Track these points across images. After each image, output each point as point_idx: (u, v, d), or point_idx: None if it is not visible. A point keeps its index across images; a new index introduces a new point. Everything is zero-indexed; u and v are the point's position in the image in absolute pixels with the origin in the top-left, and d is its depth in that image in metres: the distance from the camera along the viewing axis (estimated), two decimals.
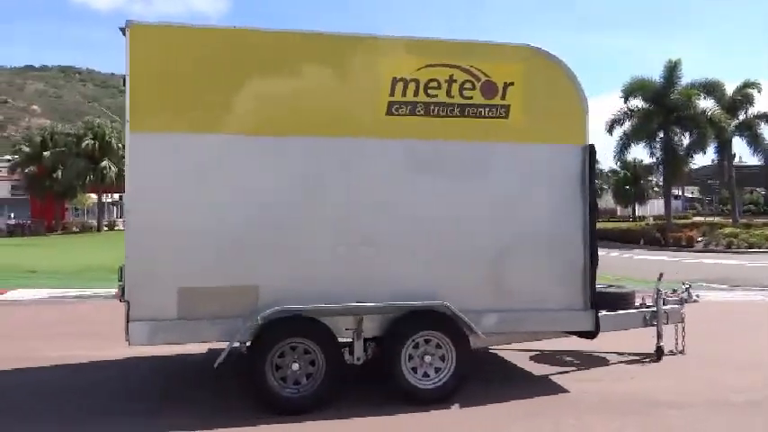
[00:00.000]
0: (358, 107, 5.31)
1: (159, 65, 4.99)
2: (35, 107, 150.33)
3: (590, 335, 5.77)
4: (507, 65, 5.58)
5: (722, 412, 5.01)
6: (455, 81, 5.45)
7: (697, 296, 7.26)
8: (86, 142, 46.04)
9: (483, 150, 5.52)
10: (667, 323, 6.75)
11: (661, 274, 7.24)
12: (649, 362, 6.63)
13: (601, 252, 5.80)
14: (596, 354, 6.90)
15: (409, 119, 5.36)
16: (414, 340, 5.15)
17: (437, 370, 5.20)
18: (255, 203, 5.09)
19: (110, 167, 45.34)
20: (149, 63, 4.97)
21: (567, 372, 6.25)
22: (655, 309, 6.67)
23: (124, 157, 5.09)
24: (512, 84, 5.54)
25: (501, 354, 6.87)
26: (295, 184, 5.16)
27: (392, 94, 5.32)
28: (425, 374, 5.18)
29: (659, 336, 6.71)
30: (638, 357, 6.77)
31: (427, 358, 5.17)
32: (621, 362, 6.65)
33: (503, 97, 5.53)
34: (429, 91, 5.39)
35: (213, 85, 5.06)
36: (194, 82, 5.04)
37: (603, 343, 6.84)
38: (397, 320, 5.13)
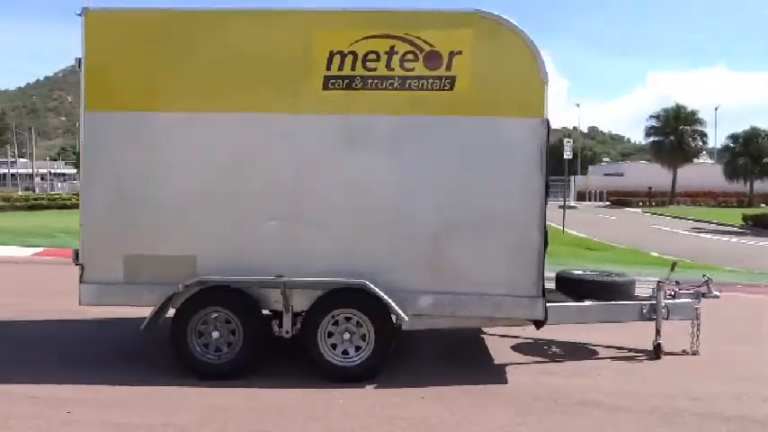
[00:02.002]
0: (294, 83, 5.30)
1: (109, 48, 5.38)
2: None
3: (539, 324, 5.34)
4: (454, 33, 5.24)
5: (655, 422, 4.40)
6: (396, 53, 5.23)
7: (719, 291, 6.33)
8: None
9: (424, 124, 5.27)
10: (667, 318, 5.98)
11: (674, 264, 6.47)
12: (644, 360, 5.95)
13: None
14: (591, 346, 6.34)
15: (346, 93, 5.26)
16: (334, 317, 5.12)
17: (357, 348, 5.13)
18: (192, 177, 5.33)
19: None
20: (101, 46, 5.38)
21: (535, 362, 5.82)
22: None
23: None
24: (459, 53, 5.21)
25: (487, 338, 6.56)
26: (230, 160, 5.32)
27: (329, 68, 5.25)
28: (345, 352, 5.13)
29: (657, 332, 5.98)
30: (635, 354, 6.11)
31: (346, 336, 5.11)
32: (610, 357, 6.03)
33: (448, 68, 5.22)
34: (367, 64, 5.24)
35: (155, 65, 5.34)
36: (138, 63, 5.35)
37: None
38: (321, 296, 5.13)
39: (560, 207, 22.32)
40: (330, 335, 5.13)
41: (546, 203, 5.20)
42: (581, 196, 54.46)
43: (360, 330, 5.13)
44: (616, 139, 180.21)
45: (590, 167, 69.94)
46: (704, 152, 57.44)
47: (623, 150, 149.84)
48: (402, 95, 5.25)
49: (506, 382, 5.17)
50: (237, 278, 5.13)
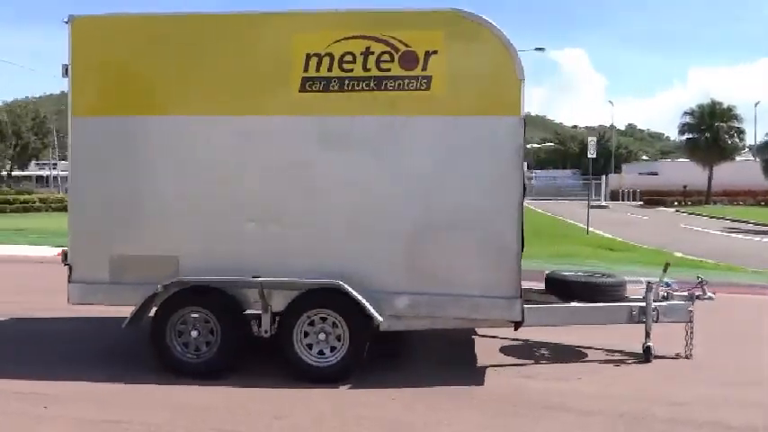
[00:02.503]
0: (272, 85, 5.36)
1: (94, 54, 5.52)
2: None
3: (517, 325, 5.28)
4: (429, 32, 5.23)
5: (622, 427, 4.31)
6: (372, 53, 5.25)
7: (713, 293, 6.16)
8: None
9: (400, 125, 5.26)
10: (658, 321, 5.84)
11: (667, 265, 6.31)
12: (633, 363, 5.83)
13: None
14: (583, 349, 6.23)
15: (323, 95, 5.28)
16: (309, 317, 5.15)
17: (333, 349, 5.15)
18: (173, 180, 5.44)
19: None
20: (87, 53, 5.52)
21: (519, 365, 5.76)
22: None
23: None
24: (434, 52, 5.19)
25: (478, 339, 6.51)
26: (209, 162, 5.40)
27: (306, 70, 5.28)
28: (321, 352, 5.15)
29: (647, 335, 5.85)
30: (626, 358, 5.98)
31: (322, 336, 5.14)
32: (599, 360, 5.92)
33: (424, 68, 5.21)
34: (344, 65, 5.27)
35: (136, 70, 5.47)
36: (121, 69, 5.48)
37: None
38: (297, 297, 5.17)
39: (591, 207, 21.98)
40: (306, 335, 5.16)
41: (523, 202, 5.16)
42: (614, 195, 53.39)
43: (335, 331, 5.15)
44: (655, 136, 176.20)
45: (624, 166, 68.60)
46: (746, 149, 55.81)
47: (662, 148, 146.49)
48: (378, 96, 5.25)
49: (483, 384, 5.12)
50: (214, 278, 5.20)
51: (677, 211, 40.63)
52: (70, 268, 5.53)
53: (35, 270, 11.18)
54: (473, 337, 6.60)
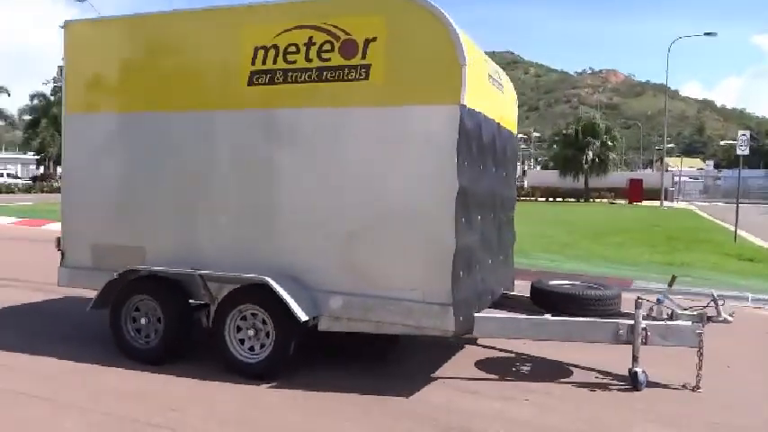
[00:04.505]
0: (224, 80, 5.40)
1: (82, 56, 5.96)
2: None
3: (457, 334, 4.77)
4: (369, 18, 4.92)
5: None
6: (314, 43, 5.07)
7: (731, 314, 5.08)
8: None
9: (340, 117, 5.03)
10: (646, 343, 4.95)
11: (673, 278, 5.34)
12: (616, 389, 5.02)
13: None
14: (572, 367, 5.50)
15: (269, 88, 5.21)
16: (241, 312, 5.10)
17: (262, 346, 5.05)
18: (136, 174, 5.71)
19: None
20: (78, 55, 5.99)
21: (477, 379, 5.21)
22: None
23: None
24: (374, 39, 4.89)
25: (469, 347, 6.01)
26: (165, 158, 5.60)
27: (253, 64, 5.25)
28: (251, 348, 5.08)
29: (634, 358, 5.00)
30: (611, 382, 5.18)
31: (251, 332, 5.06)
32: (577, 383, 5.17)
33: (363, 56, 4.92)
34: (288, 57, 5.15)
35: (108, 69, 5.84)
36: (98, 68, 5.88)
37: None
38: (232, 291, 5.15)
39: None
40: (239, 330, 5.13)
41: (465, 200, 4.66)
42: None
43: (265, 328, 5.05)
44: None
45: None
46: None
47: None
48: (320, 88, 5.06)
49: (408, 397, 4.71)
50: (158, 269, 5.36)
51: None
52: (62, 254, 6.04)
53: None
54: (466, 345, 6.11)
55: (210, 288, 5.33)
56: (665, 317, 5.20)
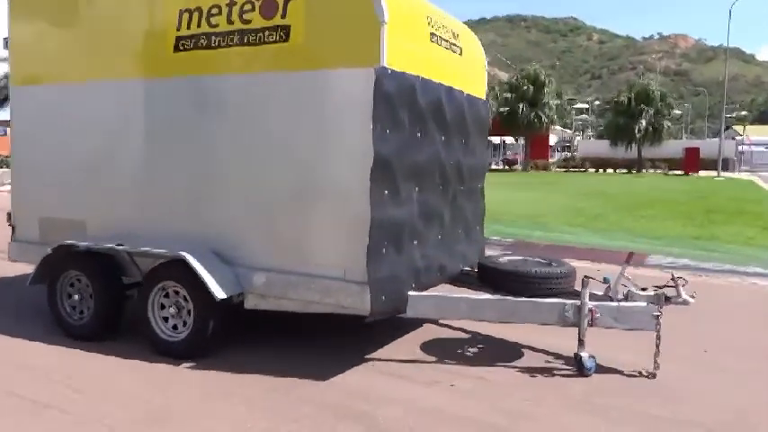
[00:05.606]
0: (150, 47, 5.16)
1: (24, 25, 5.84)
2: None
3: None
4: None
5: None
6: (235, 4, 4.76)
7: (692, 295, 4.55)
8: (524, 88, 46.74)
9: (262, 84, 4.72)
10: (593, 325, 4.50)
11: (630, 255, 4.84)
12: (559, 375, 4.61)
13: None
14: (525, 349, 5.11)
15: (193, 54, 4.95)
16: (164, 289, 4.91)
17: (185, 324, 4.86)
18: (73, 147, 5.57)
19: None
20: (20, 25, 5.87)
21: (414, 361, 4.88)
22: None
23: None
24: None
25: (423, 327, 5.68)
26: (97, 129, 5.43)
27: (179, 29, 4.99)
28: (175, 327, 4.90)
29: (580, 342, 4.56)
30: (560, 367, 4.76)
31: (173, 310, 4.87)
32: (519, 367, 4.77)
33: (283, 16, 4.59)
34: (211, 19, 4.86)
35: (44, 39, 5.69)
36: (36, 38, 5.73)
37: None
38: (155, 267, 4.97)
39: None
40: (163, 307, 4.95)
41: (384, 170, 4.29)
42: None
43: (187, 305, 4.85)
44: None
45: None
46: None
47: None
48: (241, 52, 4.76)
49: (326, 380, 4.43)
50: (85, 243, 5.23)
51: None
52: (13, 228, 6.01)
53: None
54: (427, 324, 5.78)
55: (139, 264, 5.18)
56: (621, 297, 4.73)
